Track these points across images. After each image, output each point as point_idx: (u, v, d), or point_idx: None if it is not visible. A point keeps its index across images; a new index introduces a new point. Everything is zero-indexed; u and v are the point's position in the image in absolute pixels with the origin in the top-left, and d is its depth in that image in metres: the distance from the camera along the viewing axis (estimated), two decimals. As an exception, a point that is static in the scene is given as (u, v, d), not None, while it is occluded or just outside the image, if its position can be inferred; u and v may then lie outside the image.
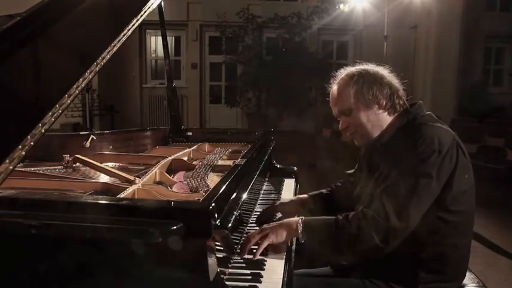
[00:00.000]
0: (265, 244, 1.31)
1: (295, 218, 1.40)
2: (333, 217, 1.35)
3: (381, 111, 1.43)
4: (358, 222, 1.28)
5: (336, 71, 1.54)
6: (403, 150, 1.33)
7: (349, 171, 1.72)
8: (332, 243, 1.33)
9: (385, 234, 1.26)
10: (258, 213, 1.72)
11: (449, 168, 1.29)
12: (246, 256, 1.29)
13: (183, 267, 0.97)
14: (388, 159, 1.36)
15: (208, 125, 10.86)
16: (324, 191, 1.79)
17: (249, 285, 1.13)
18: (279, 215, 1.70)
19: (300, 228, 1.34)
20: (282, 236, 1.34)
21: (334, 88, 1.50)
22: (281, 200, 1.88)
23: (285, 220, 1.41)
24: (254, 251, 1.31)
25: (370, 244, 1.26)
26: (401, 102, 1.44)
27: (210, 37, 10.85)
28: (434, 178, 1.27)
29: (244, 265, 1.25)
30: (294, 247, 1.42)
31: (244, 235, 1.43)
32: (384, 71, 1.46)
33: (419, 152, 1.28)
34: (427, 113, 1.43)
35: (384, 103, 1.42)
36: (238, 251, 1.31)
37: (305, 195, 1.78)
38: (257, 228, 1.47)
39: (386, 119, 1.44)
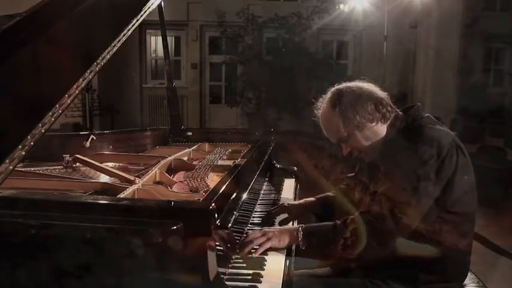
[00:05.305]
0: (266, 246, 1.34)
1: (295, 226, 1.43)
2: (332, 223, 1.38)
3: (373, 124, 1.42)
4: (354, 228, 1.31)
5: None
6: (403, 153, 1.34)
7: (349, 175, 1.73)
8: (331, 248, 1.36)
9: (382, 237, 1.29)
10: (258, 213, 1.72)
11: (449, 171, 1.30)
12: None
13: (183, 267, 0.97)
14: (389, 162, 1.37)
15: (208, 125, 10.82)
16: (329, 193, 1.80)
17: (249, 285, 1.13)
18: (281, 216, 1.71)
19: (300, 236, 1.37)
20: (284, 242, 1.37)
21: (321, 121, 1.50)
22: (290, 202, 1.87)
23: (286, 227, 1.45)
24: (253, 250, 1.33)
25: (367, 248, 1.29)
26: (389, 108, 1.43)
27: (210, 37, 10.82)
28: (433, 180, 1.28)
29: (244, 265, 1.25)
30: (294, 247, 1.42)
31: (244, 235, 1.43)
32: (361, 85, 1.45)
33: (419, 155, 1.29)
34: (426, 115, 1.44)
35: (373, 117, 1.41)
36: (239, 248, 1.32)
37: (312, 199, 1.80)
38: (257, 228, 1.48)
39: (382, 129, 1.44)
